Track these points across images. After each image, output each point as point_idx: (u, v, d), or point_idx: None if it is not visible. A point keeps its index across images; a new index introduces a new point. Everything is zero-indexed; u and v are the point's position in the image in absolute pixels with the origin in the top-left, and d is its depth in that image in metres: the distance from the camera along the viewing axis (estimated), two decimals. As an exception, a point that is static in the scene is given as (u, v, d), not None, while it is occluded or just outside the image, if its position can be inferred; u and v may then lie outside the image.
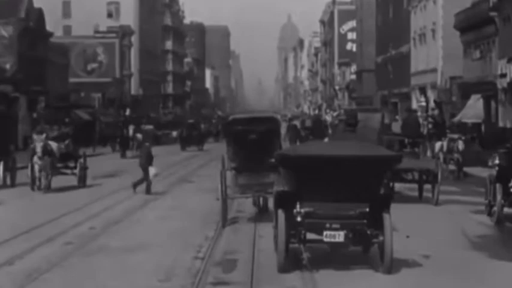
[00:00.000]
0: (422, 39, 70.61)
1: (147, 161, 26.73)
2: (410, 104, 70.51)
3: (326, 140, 42.38)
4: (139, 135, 49.95)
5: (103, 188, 28.36)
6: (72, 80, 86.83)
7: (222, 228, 17.98)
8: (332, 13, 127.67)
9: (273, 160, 16.23)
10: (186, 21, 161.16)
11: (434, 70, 65.71)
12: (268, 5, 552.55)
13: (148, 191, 26.27)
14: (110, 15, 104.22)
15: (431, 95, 65.59)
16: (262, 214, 19.54)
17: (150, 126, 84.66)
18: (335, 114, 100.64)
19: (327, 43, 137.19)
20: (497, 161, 19.70)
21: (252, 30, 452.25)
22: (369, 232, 13.02)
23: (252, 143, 18.64)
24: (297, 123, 65.63)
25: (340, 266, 13.32)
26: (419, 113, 53.73)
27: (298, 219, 13.07)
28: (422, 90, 69.24)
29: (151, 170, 26.45)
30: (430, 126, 55.18)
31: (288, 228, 13.05)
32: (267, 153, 17.75)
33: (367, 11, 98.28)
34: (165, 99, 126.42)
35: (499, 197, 18.43)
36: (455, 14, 58.77)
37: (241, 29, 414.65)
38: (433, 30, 66.70)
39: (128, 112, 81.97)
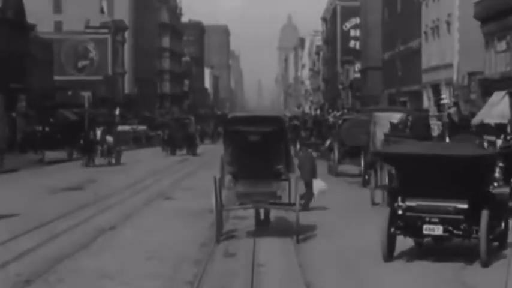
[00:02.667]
0: (435, 32, 64.75)
1: (310, 172, 20.78)
2: (422, 102, 65.25)
3: (328, 141, 38.12)
4: (109, 138, 40.65)
5: (26, 218, 19.53)
6: (62, 78, 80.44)
7: (216, 243, 15.23)
8: (334, 10, 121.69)
9: (278, 167, 15.99)
10: (185, 19, 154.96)
11: (449, 65, 59.70)
12: (269, 5, 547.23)
13: (306, 207, 20.14)
14: (102, 10, 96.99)
15: (446, 92, 59.67)
16: (263, 231, 16.53)
17: (143, 127, 78.25)
18: (338, 113, 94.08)
19: (329, 41, 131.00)
20: None
21: (252, 30, 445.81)
22: (462, 227, 13.51)
23: (254, 145, 16.30)
24: (297, 123, 60.07)
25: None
26: (431, 113, 47.98)
27: (400, 212, 13.85)
28: (436, 88, 63.37)
29: (317, 184, 20.57)
30: (445, 125, 49.58)
31: (391, 220, 13.76)
32: (271, 158, 16.29)
33: (372, 5, 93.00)
34: (162, 99, 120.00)
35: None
36: (475, 2, 52.78)
37: (241, 29, 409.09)
38: (448, 22, 60.16)
39: (117, 111, 74.61)
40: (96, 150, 39.91)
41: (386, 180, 20.32)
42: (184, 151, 52.24)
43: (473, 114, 50.52)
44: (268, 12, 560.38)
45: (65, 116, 67.73)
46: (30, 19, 68.46)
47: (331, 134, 40.42)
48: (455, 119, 51.69)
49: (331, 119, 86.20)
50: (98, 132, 40.72)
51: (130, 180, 30.02)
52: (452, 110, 54.07)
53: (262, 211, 17.00)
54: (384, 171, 20.67)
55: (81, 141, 40.95)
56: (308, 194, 20.45)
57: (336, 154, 33.19)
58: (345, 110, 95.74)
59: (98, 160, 39.91)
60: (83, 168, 38.24)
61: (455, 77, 58.01)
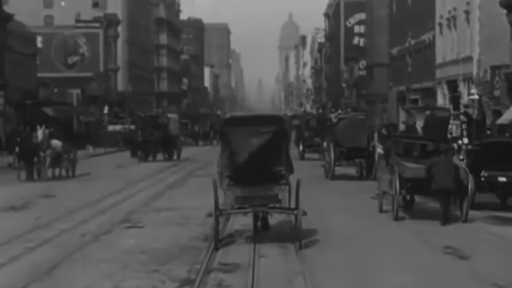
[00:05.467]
0: (451, 24, 58.63)
1: (450, 177, 18.82)
2: (435, 100, 59.47)
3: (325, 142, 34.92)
4: (57, 143, 29.91)
5: None
6: (51, 74, 75.17)
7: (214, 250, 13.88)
8: (338, 5, 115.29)
9: (279, 169, 15.12)
10: (184, 17, 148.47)
11: (468, 59, 53.50)
12: (269, 4, 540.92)
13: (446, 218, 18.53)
14: (95, 4, 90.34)
15: (465, 89, 53.73)
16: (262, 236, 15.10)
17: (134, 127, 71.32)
18: (339, 112, 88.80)
19: (331, 38, 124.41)
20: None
21: (253, 29, 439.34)
22: None
23: (253, 147, 14.97)
24: (297, 122, 56.36)
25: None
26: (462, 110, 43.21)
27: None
28: (452, 84, 57.41)
29: None
30: (463, 126, 43.89)
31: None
32: (271, 160, 15.11)
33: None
34: (159, 98, 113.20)
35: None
36: (500, -12, 46.41)
37: (242, 28, 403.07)
38: (467, 12, 54.18)
39: (106, 110, 67.68)
40: (40, 158, 29.32)
41: (397, 185, 18.67)
42: (159, 156, 43.24)
43: (498, 113, 44.82)
44: (268, 10, 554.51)
45: (48, 115, 60.99)
46: (19, 13, 62.64)
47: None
48: (477, 117, 45.71)
49: (334, 119, 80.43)
50: (39, 134, 29.72)
51: (94, 195, 22.88)
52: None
53: (260, 216, 15.78)
54: (395, 175, 18.88)
55: (16, 148, 30.36)
56: (445, 205, 18.39)
57: (331, 155, 30.33)
58: (349, 109, 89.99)
59: (45, 172, 29.82)
60: (29, 182, 29.16)
61: (475, 72, 52.01)
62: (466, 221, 18.25)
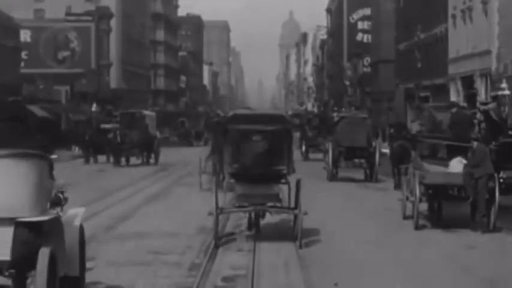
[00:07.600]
0: (466, 15, 54.40)
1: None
2: (448, 97, 55.78)
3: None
4: None
5: None
6: (41, 70, 71.44)
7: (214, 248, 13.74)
8: (341, 0, 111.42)
9: (280, 168, 15.08)
10: (183, 13, 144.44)
11: (485, 53, 49.47)
12: (269, 2, 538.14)
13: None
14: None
15: (482, 85, 49.99)
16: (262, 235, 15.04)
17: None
18: (343, 110, 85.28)
19: (334, 34, 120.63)
20: None
21: (253, 27, 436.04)
22: None
23: (256, 145, 15.07)
24: (297, 121, 53.34)
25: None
26: (491, 105, 39.11)
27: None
28: (467, 80, 53.20)
29: None
30: (482, 125, 39.46)
31: None
32: (274, 160, 15.08)
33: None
34: (156, 95, 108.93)
35: None
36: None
37: (242, 26, 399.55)
38: (484, 2, 50.19)
39: (94, 107, 62.98)
40: None
41: (417, 189, 17.23)
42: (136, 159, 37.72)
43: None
44: (269, 9, 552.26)
45: (33, 113, 56.46)
46: (8, 7, 58.71)
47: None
48: (495, 116, 41.35)
49: (336, 118, 76.80)
50: None
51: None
52: (492, 106, 43.92)
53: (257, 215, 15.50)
54: (416, 178, 17.47)
55: None
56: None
57: (330, 156, 29.46)
58: (353, 108, 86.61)
59: None
60: None
61: (494, 67, 47.69)
62: (493, 230, 16.92)
